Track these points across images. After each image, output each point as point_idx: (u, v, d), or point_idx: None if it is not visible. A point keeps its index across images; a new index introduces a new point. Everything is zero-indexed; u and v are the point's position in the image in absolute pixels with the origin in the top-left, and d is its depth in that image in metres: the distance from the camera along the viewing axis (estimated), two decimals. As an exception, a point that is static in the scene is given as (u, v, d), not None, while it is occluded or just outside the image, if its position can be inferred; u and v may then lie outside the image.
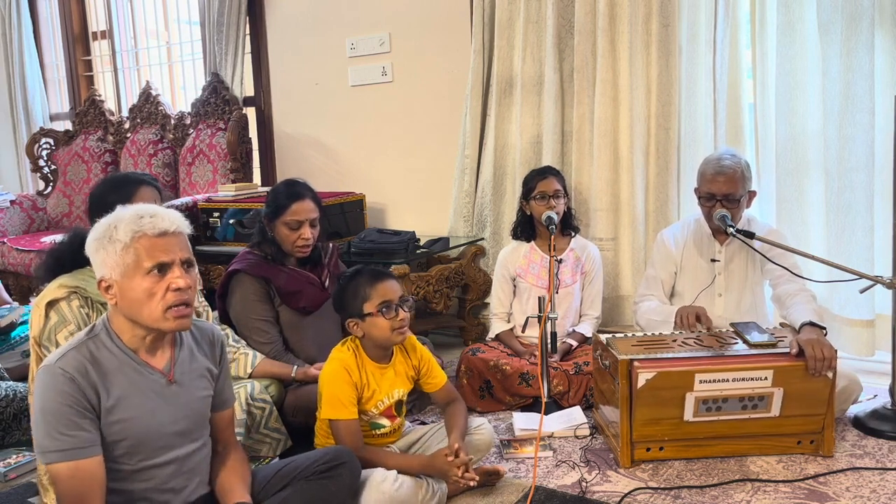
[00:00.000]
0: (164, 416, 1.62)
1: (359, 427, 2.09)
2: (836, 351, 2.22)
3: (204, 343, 1.76)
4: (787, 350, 2.25)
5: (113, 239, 1.55)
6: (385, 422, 2.19)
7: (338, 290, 2.20)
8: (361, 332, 2.13)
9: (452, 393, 2.30)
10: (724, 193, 2.58)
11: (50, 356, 1.57)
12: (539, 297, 2.59)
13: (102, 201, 2.23)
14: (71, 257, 2.15)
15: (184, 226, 1.62)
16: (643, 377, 2.18)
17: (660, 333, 2.46)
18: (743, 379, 2.20)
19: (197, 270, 1.65)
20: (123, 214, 1.58)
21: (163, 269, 1.55)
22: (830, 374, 2.20)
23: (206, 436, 1.74)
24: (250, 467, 1.83)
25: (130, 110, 4.77)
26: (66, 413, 1.50)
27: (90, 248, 1.59)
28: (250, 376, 2.42)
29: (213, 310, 2.58)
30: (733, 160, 2.62)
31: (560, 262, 2.94)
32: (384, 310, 2.09)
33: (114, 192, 2.23)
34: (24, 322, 3.36)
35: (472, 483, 2.01)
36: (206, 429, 1.74)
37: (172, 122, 4.58)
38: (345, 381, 2.08)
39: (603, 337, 2.44)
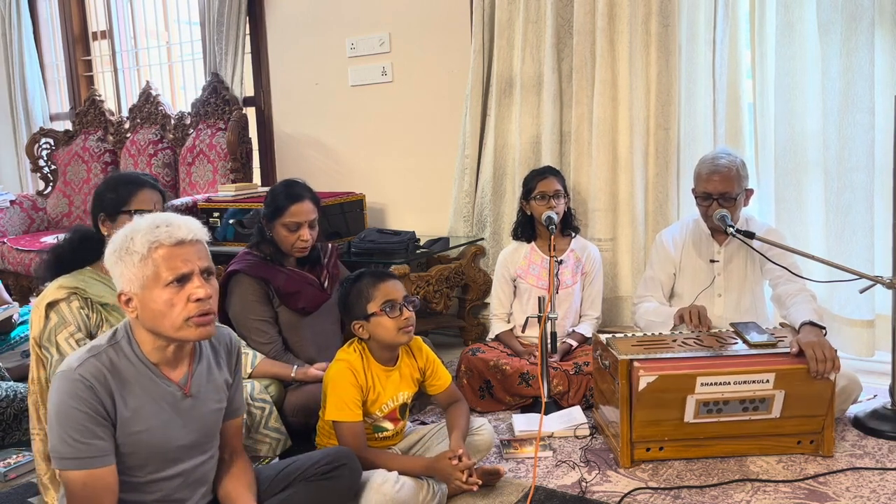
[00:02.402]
0: (176, 430, 1.60)
1: (363, 429, 2.09)
2: (835, 351, 2.22)
3: (222, 351, 1.74)
4: (787, 350, 2.25)
5: (130, 251, 1.52)
6: (388, 425, 2.19)
7: (342, 293, 2.19)
8: (367, 333, 2.13)
9: (455, 394, 2.30)
10: (720, 192, 2.58)
11: (69, 361, 1.54)
12: (539, 298, 2.59)
13: (101, 199, 2.24)
14: (71, 256, 2.15)
15: (201, 234, 1.59)
16: (644, 380, 2.18)
17: (660, 333, 2.46)
18: (744, 382, 2.20)
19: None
20: (140, 225, 1.55)
21: (182, 279, 1.53)
22: (833, 377, 2.20)
23: (215, 447, 1.73)
24: (255, 472, 1.82)
25: (130, 110, 4.77)
26: (82, 420, 1.48)
27: (109, 261, 1.57)
28: (250, 376, 2.42)
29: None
30: (728, 159, 2.61)
31: (560, 262, 2.94)
32: (388, 309, 2.09)
33: (113, 190, 2.24)
34: (24, 322, 3.36)
35: (474, 489, 2.01)
36: (215, 440, 1.72)
37: (172, 122, 4.58)
38: (350, 383, 2.08)
39: (603, 337, 2.44)
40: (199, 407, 1.65)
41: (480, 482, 2.03)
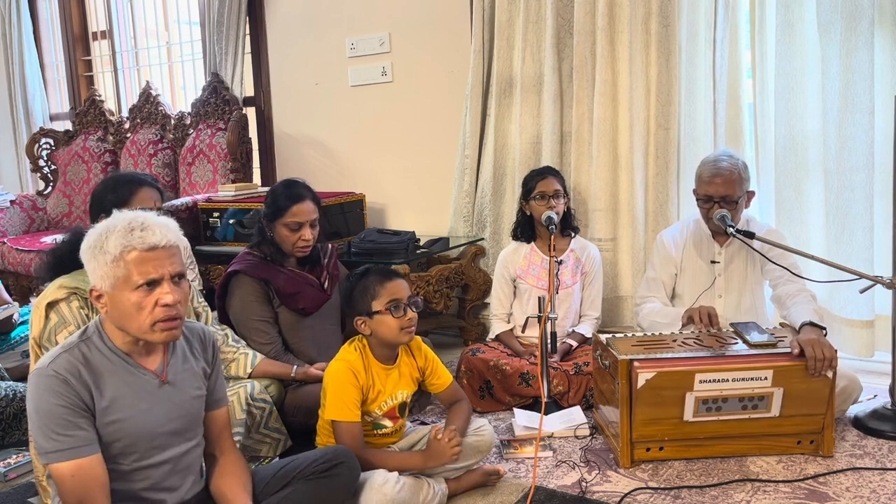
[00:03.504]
0: (157, 416, 1.62)
1: (360, 430, 2.09)
2: (836, 351, 2.22)
3: (196, 343, 1.76)
4: (788, 350, 2.25)
5: (104, 250, 1.54)
6: (388, 423, 2.19)
7: (347, 287, 2.20)
8: (369, 330, 2.13)
9: (458, 393, 2.31)
10: (721, 195, 2.58)
11: (42, 359, 1.57)
12: (539, 298, 2.59)
13: (101, 200, 2.25)
14: (70, 257, 2.14)
15: (175, 238, 1.60)
16: (643, 377, 2.18)
17: (660, 333, 2.46)
18: (743, 379, 2.21)
19: (191, 280, 1.65)
20: (115, 225, 1.57)
21: (152, 284, 1.55)
22: (830, 374, 2.21)
23: (199, 435, 1.74)
24: (250, 471, 1.82)
25: (130, 110, 4.77)
26: (61, 414, 1.50)
27: (84, 255, 1.59)
28: (250, 376, 2.42)
29: (212, 310, 2.58)
30: (730, 161, 2.61)
31: (560, 262, 2.94)
32: (393, 308, 2.09)
33: (113, 191, 2.25)
34: (24, 322, 3.36)
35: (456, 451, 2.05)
36: (199, 428, 1.74)
37: (172, 122, 4.57)
38: (350, 383, 2.08)
39: (603, 337, 2.44)
40: (179, 393, 1.67)
41: (460, 441, 2.07)
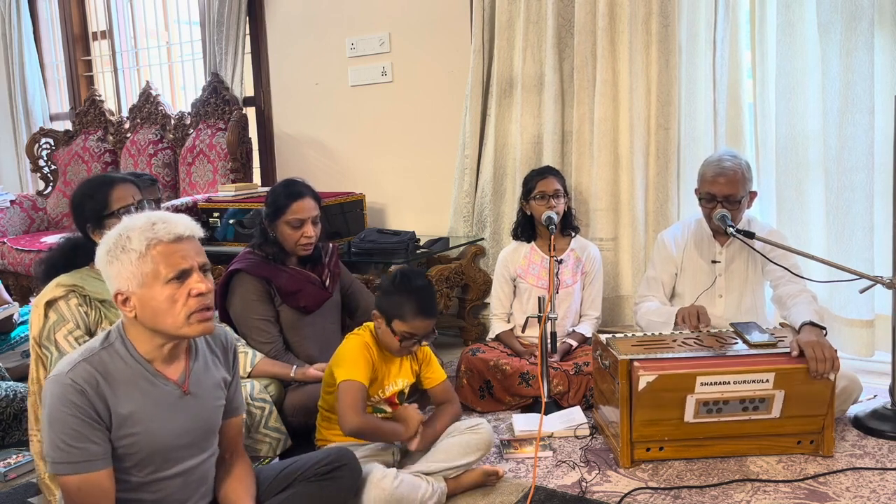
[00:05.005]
0: (176, 429, 1.59)
1: (365, 393, 2.13)
2: (836, 351, 2.22)
3: (218, 349, 1.73)
4: (788, 350, 2.25)
5: (127, 249, 1.51)
6: (387, 408, 2.26)
7: (388, 284, 2.20)
8: (379, 328, 2.21)
9: (449, 393, 2.34)
10: (724, 195, 2.58)
11: (61, 365, 1.53)
12: (539, 297, 2.60)
13: (81, 211, 2.17)
14: (63, 262, 2.14)
15: (197, 230, 1.59)
16: (644, 380, 2.18)
17: (660, 333, 2.46)
18: (744, 381, 2.20)
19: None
20: (135, 223, 1.54)
21: (182, 276, 1.52)
22: (833, 377, 2.20)
23: (214, 445, 1.72)
24: (255, 475, 1.82)
25: (130, 110, 4.77)
26: (74, 425, 1.47)
27: (102, 262, 1.55)
28: (249, 375, 2.42)
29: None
30: (734, 161, 2.61)
31: (560, 262, 2.94)
32: (407, 338, 2.16)
33: (90, 198, 2.16)
34: (25, 322, 3.36)
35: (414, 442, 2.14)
36: (215, 438, 1.72)
37: (172, 122, 4.58)
38: (366, 353, 2.17)
39: (603, 337, 2.44)
40: (199, 404, 1.64)
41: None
